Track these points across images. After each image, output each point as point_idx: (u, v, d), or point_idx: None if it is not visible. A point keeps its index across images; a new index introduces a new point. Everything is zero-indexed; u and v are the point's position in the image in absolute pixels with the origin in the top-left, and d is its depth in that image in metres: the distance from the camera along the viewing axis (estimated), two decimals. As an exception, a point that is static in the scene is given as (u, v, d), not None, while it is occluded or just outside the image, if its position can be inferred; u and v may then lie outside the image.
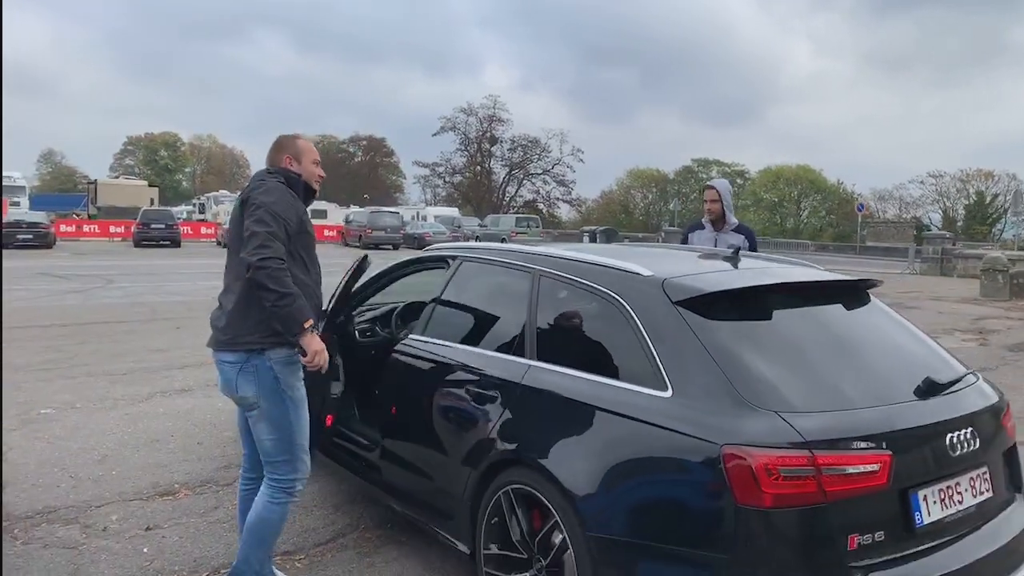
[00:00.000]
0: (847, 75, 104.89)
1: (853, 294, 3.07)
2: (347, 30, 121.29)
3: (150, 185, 49.53)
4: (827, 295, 3.00)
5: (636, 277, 2.82)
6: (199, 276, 18.10)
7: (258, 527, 3.00)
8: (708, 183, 5.30)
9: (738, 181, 67.81)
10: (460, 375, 3.23)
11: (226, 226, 32.95)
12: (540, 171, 67.70)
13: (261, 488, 3.06)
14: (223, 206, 46.97)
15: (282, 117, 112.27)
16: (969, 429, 2.51)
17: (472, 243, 4.39)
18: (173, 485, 4.41)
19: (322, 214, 45.16)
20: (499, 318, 3.34)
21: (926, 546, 2.36)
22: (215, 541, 3.69)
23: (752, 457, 2.18)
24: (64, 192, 63.15)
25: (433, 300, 3.70)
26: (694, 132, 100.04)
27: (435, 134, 66.74)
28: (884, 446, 2.29)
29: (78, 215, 42.54)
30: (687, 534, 2.30)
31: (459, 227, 40.87)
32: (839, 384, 2.54)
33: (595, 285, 2.91)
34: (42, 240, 28.94)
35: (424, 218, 43.16)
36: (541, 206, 66.18)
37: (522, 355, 3.03)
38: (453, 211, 49.46)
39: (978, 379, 2.85)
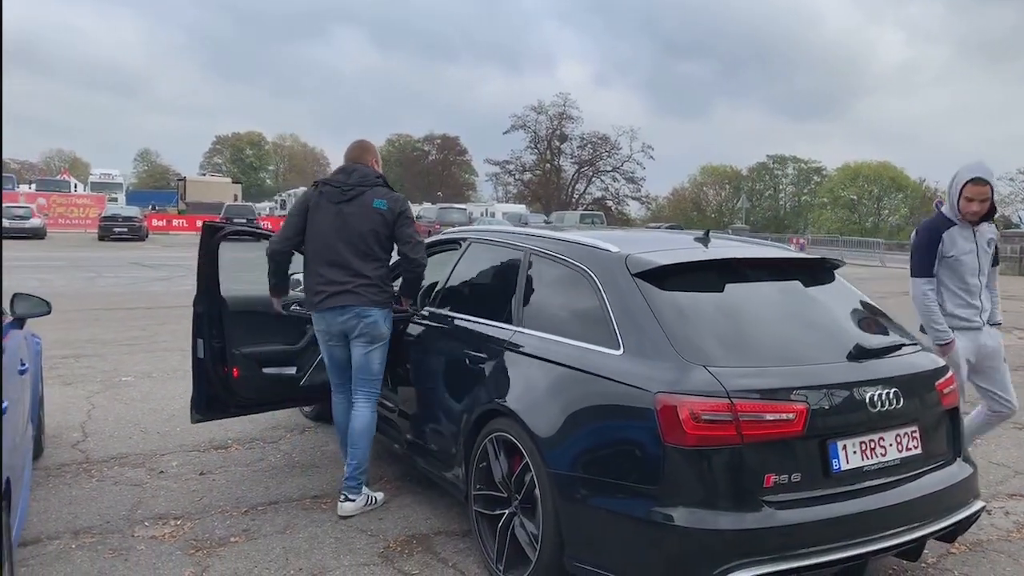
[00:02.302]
0: (941, 66, 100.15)
1: (814, 272, 3.36)
2: (424, 27, 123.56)
3: (234, 182, 51.99)
4: (786, 271, 3.31)
5: (606, 253, 3.20)
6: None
7: (371, 428, 3.99)
8: (976, 176, 3.79)
9: (814, 179, 65.96)
10: (462, 342, 3.66)
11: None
12: (610, 168, 67.53)
13: (360, 406, 3.98)
14: (302, 202, 48.92)
15: (360, 115, 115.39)
16: (893, 390, 2.78)
17: (479, 226, 4.82)
18: (226, 441, 5.01)
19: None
20: (495, 291, 3.76)
21: (842, 490, 2.66)
22: (256, 485, 4.25)
23: (679, 403, 2.54)
24: (157, 189, 66.84)
25: (445, 276, 4.15)
26: (773, 126, 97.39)
27: (506, 132, 67.41)
28: (801, 398, 2.60)
29: (156, 210, 44.55)
30: (625, 469, 2.67)
31: (526, 223, 41.34)
32: (770, 345, 2.86)
33: (573, 260, 3.30)
34: (136, 233, 30.96)
35: (492, 214, 43.82)
36: (610, 203, 66.01)
37: (510, 322, 3.45)
38: (521, 208, 49.97)
39: (919, 349, 3.11)
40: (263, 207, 50.02)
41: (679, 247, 3.35)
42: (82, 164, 73.54)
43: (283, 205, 51.23)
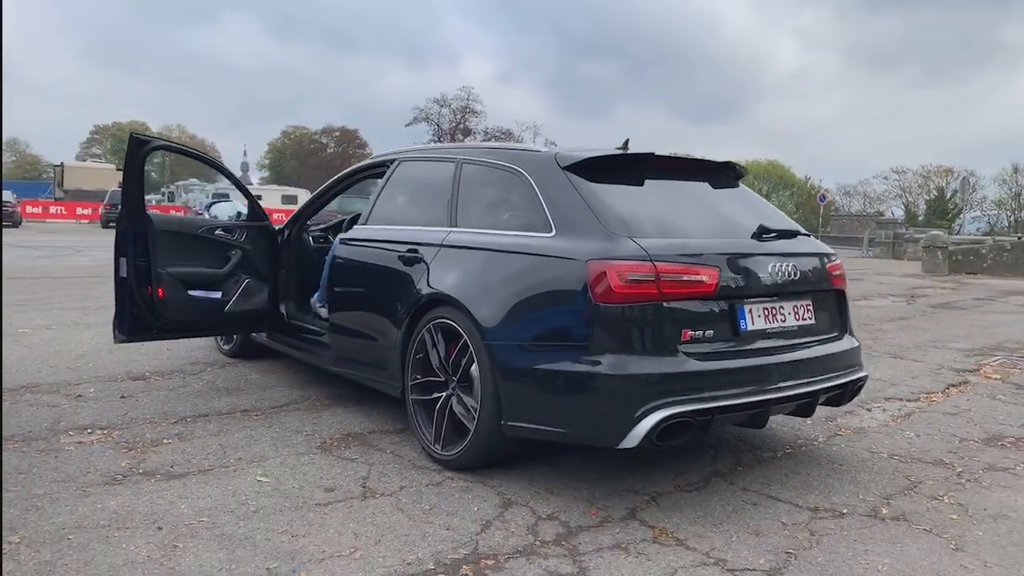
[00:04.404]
0: (829, 72, 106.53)
1: (721, 176, 3.70)
2: (322, 17, 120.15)
3: (118, 169, 49.22)
4: (697, 172, 3.63)
5: (536, 153, 3.44)
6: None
7: None
8: None
9: (706, 175, 68.90)
10: (394, 248, 3.79)
11: (196, 210, 33.15)
12: (512, 163, 68.09)
13: None
14: (192, 194, 47.02)
15: (254, 107, 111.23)
16: (791, 263, 3.15)
17: (410, 146, 4.96)
18: (144, 373, 4.92)
19: (292, 199, 45.40)
20: (428, 200, 3.91)
21: (748, 347, 3.00)
22: (183, 403, 4.23)
23: (608, 267, 2.79)
24: (28, 180, 62.28)
25: (375, 196, 4.26)
26: (674, 128, 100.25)
27: (408, 124, 66.82)
28: (713, 263, 2.92)
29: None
30: (559, 331, 2.91)
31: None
32: (686, 223, 3.18)
33: (504, 163, 3.51)
34: (8, 218, 28.90)
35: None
36: (513, 197, 66.68)
37: (445, 225, 3.62)
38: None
39: (810, 237, 3.51)
40: (149, 199, 47.54)
41: (602, 148, 3.62)
42: (-59, 151, 67.46)
43: (171, 197, 49.03)
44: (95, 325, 6.68)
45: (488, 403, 3.04)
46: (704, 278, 2.88)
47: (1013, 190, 51.03)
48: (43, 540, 2.48)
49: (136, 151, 4.11)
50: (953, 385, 5.35)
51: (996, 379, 5.61)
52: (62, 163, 48.35)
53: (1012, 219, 49.98)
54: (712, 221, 3.31)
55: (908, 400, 4.89)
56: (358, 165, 4.74)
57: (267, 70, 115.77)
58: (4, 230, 27.30)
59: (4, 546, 2.42)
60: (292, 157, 79.34)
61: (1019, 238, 21.61)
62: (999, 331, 8.18)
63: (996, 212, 50.72)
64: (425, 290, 3.44)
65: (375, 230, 4.07)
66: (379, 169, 4.45)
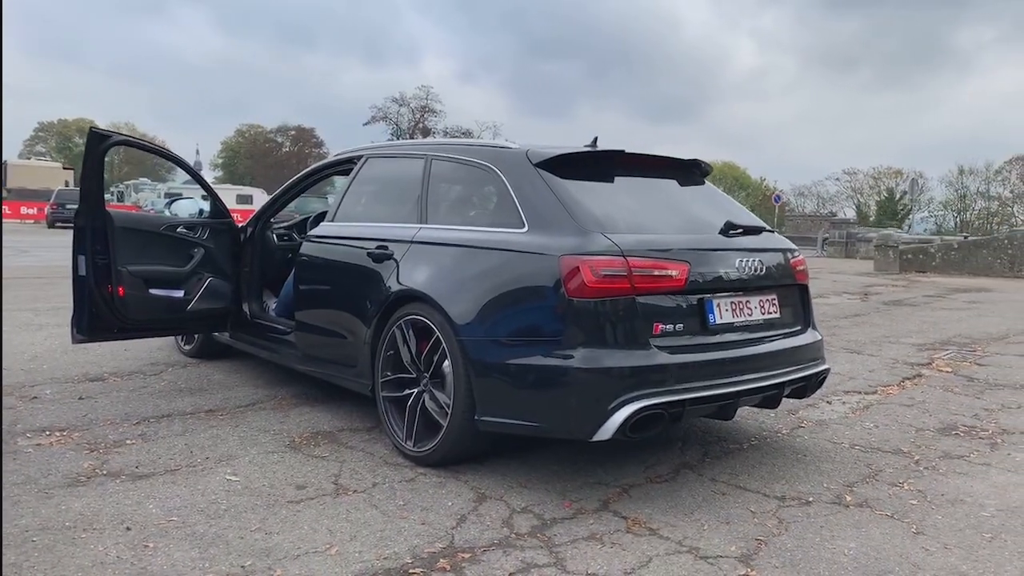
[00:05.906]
0: (787, 75, 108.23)
1: (689, 173, 3.76)
2: (277, 11, 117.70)
3: (65, 167, 47.82)
4: (665, 170, 3.68)
5: (507, 150, 3.45)
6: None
7: None
8: None
9: (664, 175, 69.83)
10: (363, 245, 3.76)
11: (149, 209, 32.40)
12: (472, 163, 67.96)
13: None
14: (143, 194, 45.94)
15: (206, 103, 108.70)
16: (757, 259, 3.23)
17: (378, 142, 4.92)
18: (103, 374, 4.80)
19: (247, 199, 44.71)
20: (397, 196, 3.89)
21: (717, 340, 3.06)
22: (144, 403, 4.13)
23: (581, 262, 2.82)
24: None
25: (341, 194, 4.23)
26: (634, 128, 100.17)
27: (366, 123, 66.25)
28: (683, 258, 2.97)
29: None
30: (532, 325, 2.93)
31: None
32: (656, 219, 3.23)
33: (475, 160, 3.51)
34: (-50, 218, 27.85)
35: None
36: (472, 197, 66.57)
37: (415, 222, 3.61)
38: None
39: (774, 233, 3.60)
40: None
41: (572, 145, 3.65)
42: None
43: (120, 197, 47.81)
44: (48, 326, 6.49)
45: (461, 398, 3.04)
46: (674, 273, 2.93)
47: (959, 191, 52.79)
48: (7, 543, 2.41)
49: (96, 145, 4.01)
50: (908, 378, 5.52)
51: (948, 372, 5.80)
52: (5, 161, 46.68)
53: (958, 219, 51.69)
54: (681, 217, 3.37)
55: (866, 393, 5.03)
56: (324, 161, 4.69)
57: (220, 65, 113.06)
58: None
59: (-36, 550, 2.34)
60: (247, 156, 78.07)
61: (965, 238, 22.39)
62: (948, 327, 8.45)
63: (943, 212, 52.40)
64: (395, 287, 3.43)
65: (342, 227, 4.03)
66: (346, 166, 4.41)
